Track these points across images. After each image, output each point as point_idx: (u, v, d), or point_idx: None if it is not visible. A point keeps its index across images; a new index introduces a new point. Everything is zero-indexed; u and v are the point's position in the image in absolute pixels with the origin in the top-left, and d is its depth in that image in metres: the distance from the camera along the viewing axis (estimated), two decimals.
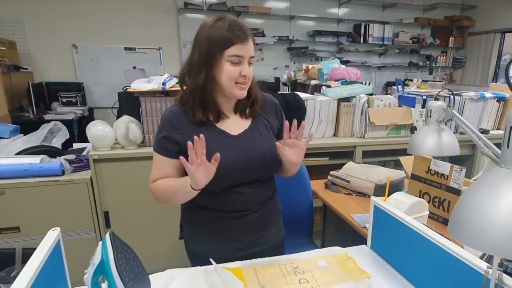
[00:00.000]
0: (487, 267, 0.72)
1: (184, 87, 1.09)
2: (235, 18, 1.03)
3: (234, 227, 1.13)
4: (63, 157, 2.03)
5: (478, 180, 0.62)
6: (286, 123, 1.02)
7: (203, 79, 1.02)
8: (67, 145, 2.66)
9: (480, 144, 1.12)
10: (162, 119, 1.09)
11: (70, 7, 4.17)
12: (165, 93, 2.04)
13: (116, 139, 1.98)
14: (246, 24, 1.03)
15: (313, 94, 2.54)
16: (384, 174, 1.72)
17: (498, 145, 1.08)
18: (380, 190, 1.66)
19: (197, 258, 1.14)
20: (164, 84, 2.00)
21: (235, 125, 1.11)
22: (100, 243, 0.81)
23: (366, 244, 1.19)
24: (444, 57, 6.00)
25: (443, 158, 1.45)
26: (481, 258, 0.86)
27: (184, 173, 1.04)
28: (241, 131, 1.11)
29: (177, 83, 2.17)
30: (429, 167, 1.45)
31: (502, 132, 2.86)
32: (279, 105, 1.22)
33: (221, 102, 1.10)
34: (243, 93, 1.05)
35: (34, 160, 1.87)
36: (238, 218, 1.12)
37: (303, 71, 2.91)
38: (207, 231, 1.15)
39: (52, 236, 0.81)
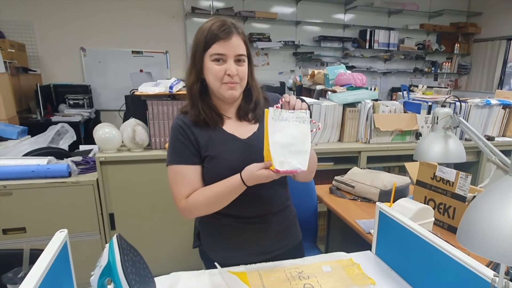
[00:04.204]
0: (494, 275, 0.71)
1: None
2: (225, 18, 1.02)
3: (256, 232, 1.13)
4: (70, 159, 2.04)
5: (488, 188, 0.62)
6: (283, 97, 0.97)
7: (193, 80, 1.04)
8: (73, 147, 2.68)
9: (487, 151, 1.12)
10: (171, 130, 1.08)
11: (79, 11, 4.23)
12: (172, 96, 2.05)
13: (122, 142, 2.00)
14: (238, 23, 1.02)
15: (318, 99, 2.54)
16: (388, 179, 1.71)
17: (504, 152, 1.08)
18: (384, 196, 1.65)
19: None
20: (171, 87, 2.02)
21: (243, 129, 1.11)
22: (107, 245, 0.81)
23: (370, 250, 1.19)
24: (449, 64, 5.99)
25: (447, 165, 1.44)
26: (488, 266, 0.86)
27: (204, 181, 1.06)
28: (250, 135, 1.10)
29: (183, 87, 2.19)
30: (434, 173, 1.45)
31: (507, 139, 2.83)
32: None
33: (220, 106, 1.10)
34: (232, 94, 1.02)
35: (41, 161, 1.89)
36: (259, 223, 1.12)
37: (308, 76, 2.91)
38: (228, 238, 1.14)
39: (60, 237, 0.82)
